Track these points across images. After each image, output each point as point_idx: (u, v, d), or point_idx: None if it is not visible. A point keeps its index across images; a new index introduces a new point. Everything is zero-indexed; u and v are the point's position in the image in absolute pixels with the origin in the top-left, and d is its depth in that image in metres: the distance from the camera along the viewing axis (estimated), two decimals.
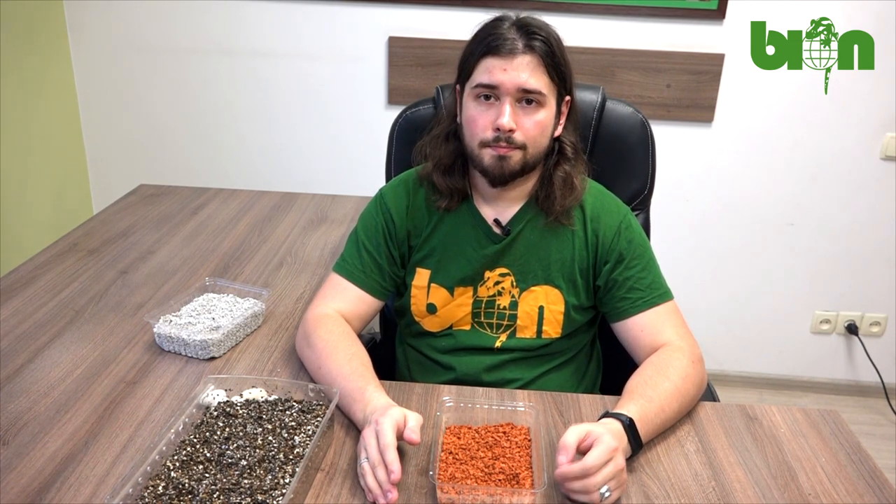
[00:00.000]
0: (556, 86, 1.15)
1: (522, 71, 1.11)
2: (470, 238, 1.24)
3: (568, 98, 1.20)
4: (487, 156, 1.15)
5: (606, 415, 1.01)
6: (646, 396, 1.04)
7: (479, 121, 1.14)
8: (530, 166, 1.18)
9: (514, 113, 1.12)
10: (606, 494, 0.90)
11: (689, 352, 1.14)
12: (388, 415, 0.95)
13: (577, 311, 1.25)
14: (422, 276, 1.27)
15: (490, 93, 1.13)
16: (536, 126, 1.14)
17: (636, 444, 0.99)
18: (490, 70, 1.12)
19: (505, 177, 1.17)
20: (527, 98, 1.12)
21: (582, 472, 0.89)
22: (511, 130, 1.12)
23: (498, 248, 1.24)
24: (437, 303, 1.26)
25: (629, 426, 0.98)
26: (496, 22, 1.15)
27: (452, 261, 1.25)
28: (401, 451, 0.94)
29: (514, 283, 1.24)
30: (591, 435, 0.93)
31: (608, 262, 1.23)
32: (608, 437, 0.92)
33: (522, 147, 1.14)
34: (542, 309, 1.24)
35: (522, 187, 1.23)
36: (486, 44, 1.13)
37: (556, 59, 1.13)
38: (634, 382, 1.09)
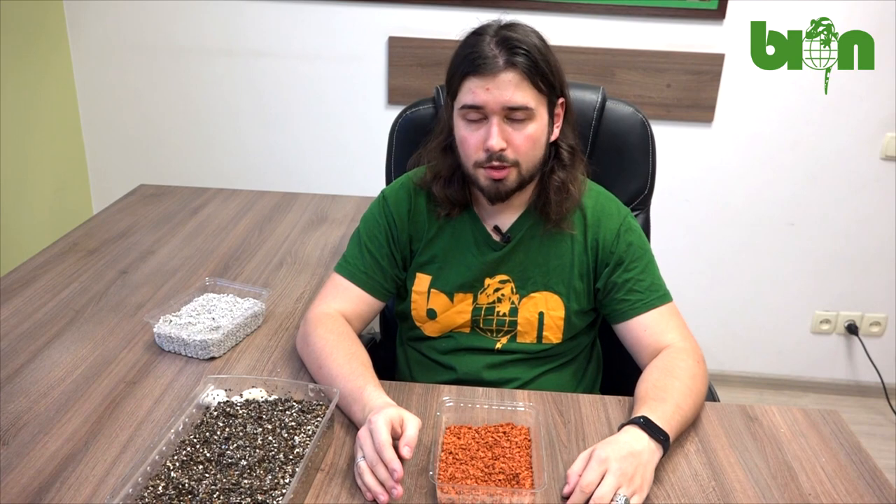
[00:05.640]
0: (544, 95, 1.12)
1: (506, 89, 1.08)
2: (470, 245, 1.24)
3: (561, 100, 1.17)
4: (482, 177, 1.15)
5: (622, 424, 1.01)
6: (658, 398, 1.04)
7: (469, 142, 1.13)
8: (527, 180, 1.17)
9: (502, 131, 1.10)
10: (622, 502, 0.90)
11: (692, 352, 1.15)
12: (382, 413, 0.95)
13: (578, 315, 1.25)
14: (422, 281, 1.27)
15: (476, 114, 1.11)
16: (527, 140, 1.12)
17: (662, 436, 0.98)
18: (473, 91, 1.09)
19: (502, 196, 1.17)
20: (514, 114, 1.10)
21: (583, 496, 0.91)
22: (501, 150, 1.11)
23: (498, 255, 1.23)
24: (437, 308, 1.26)
25: (644, 424, 0.98)
26: (476, 37, 1.12)
27: (453, 267, 1.25)
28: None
29: (514, 290, 1.24)
30: (591, 458, 0.94)
31: (608, 265, 1.23)
32: (599, 452, 0.94)
33: (515, 164, 1.13)
34: (543, 315, 1.24)
35: (522, 195, 1.22)
36: (467, 62, 1.10)
37: (540, 70, 1.10)
38: (644, 388, 1.09)
